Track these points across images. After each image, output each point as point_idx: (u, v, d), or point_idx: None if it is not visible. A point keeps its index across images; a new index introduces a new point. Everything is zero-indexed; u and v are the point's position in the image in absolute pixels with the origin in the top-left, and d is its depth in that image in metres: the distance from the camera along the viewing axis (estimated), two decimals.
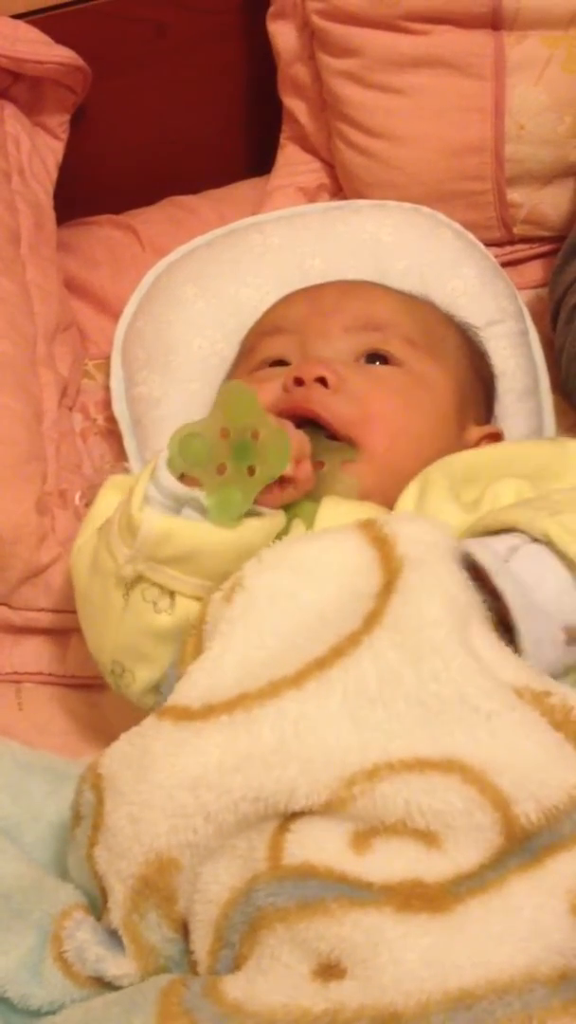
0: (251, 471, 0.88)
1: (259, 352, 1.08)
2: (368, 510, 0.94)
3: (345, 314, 1.06)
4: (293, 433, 0.92)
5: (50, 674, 1.10)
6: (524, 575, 0.83)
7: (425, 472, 0.96)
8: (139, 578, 0.91)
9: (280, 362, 1.06)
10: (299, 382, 0.99)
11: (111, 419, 1.23)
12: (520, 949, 0.71)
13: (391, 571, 0.83)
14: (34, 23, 1.33)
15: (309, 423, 0.98)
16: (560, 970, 0.71)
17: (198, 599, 0.90)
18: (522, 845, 0.74)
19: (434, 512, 0.92)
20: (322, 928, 0.73)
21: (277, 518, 0.93)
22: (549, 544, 0.84)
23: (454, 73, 1.25)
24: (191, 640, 0.87)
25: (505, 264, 1.31)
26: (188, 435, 0.88)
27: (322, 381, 0.99)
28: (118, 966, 0.79)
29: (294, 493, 0.93)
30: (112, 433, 1.24)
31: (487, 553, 0.83)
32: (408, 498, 0.95)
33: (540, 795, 0.74)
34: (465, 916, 0.72)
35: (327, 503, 0.95)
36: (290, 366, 1.04)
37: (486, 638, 0.81)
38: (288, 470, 0.90)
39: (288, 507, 0.94)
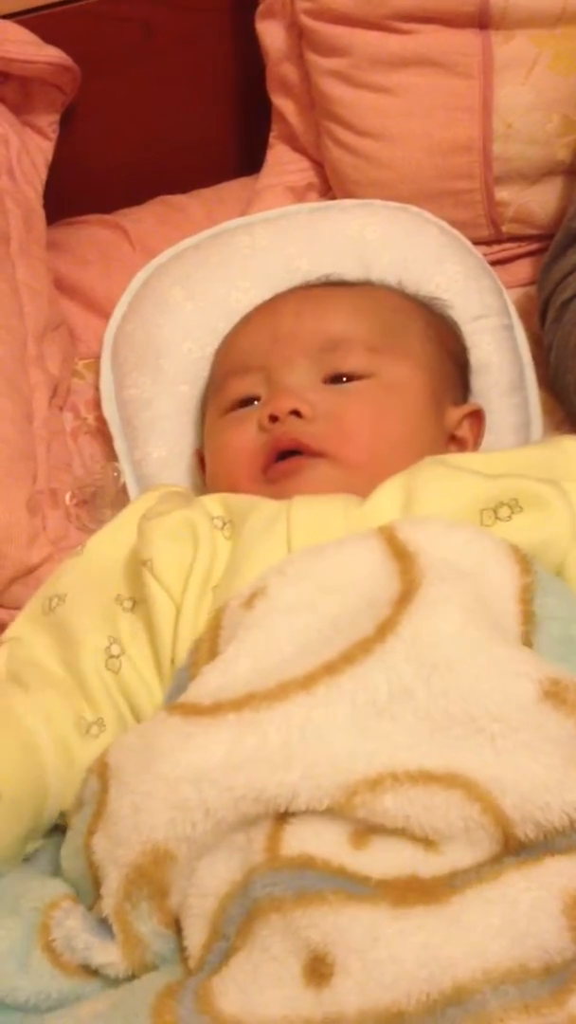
0: None
1: (228, 392, 1.10)
2: (341, 503, 0.94)
3: (302, 337, 1.08)
4: None
5: None
6: None
7: (411, 468, 0.96)
8: None
9: (249, 399, 1.08)
10: (274, 419, 1.02)
11: (101, 418, 1.24)
12: (517, 942, 0.71)
13: (409, 582, 0.83)
14: (23, 23, 1.33)
15: (290, 453, 1.00)
16: (545, 964, 0.71)
17: None
18: (519, 851, 0.75)
19: (441, 495, 0.92)
20: (317, 917, 0.72)
21: None
22: None
23: (442, 72, 1.25)
24: (205, 645, 0.87)
25: (494, 262, 1.32)
26: None
27: (295, 413, 1.02)
28: (106, 954, 0.79)
29: None
30: (102, 432, 1.24)
31: None
32: (390, 492, 0.95)
33: (541, 818, 0.74)
34: (461, 906, 0.72)
35: (299, 502, 0.95)
36: (261, 402, 1.07)
37: (521, 648, 0.81)
38: None
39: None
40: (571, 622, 0.84)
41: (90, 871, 0.81)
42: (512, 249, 1.35)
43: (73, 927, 0.80)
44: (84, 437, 1.25)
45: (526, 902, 0.72)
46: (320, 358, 1.06)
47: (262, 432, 1.04)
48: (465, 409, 1.11)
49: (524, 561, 0.86)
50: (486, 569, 0.85)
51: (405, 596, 0.82)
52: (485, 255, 1.31)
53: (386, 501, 0.94)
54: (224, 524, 0.96)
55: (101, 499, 1.16)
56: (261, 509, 0.96)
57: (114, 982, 0.81)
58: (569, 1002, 0.70)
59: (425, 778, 0.75)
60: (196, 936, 0.78)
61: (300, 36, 1.31)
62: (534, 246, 1.33)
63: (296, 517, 0.94)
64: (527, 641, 0.83)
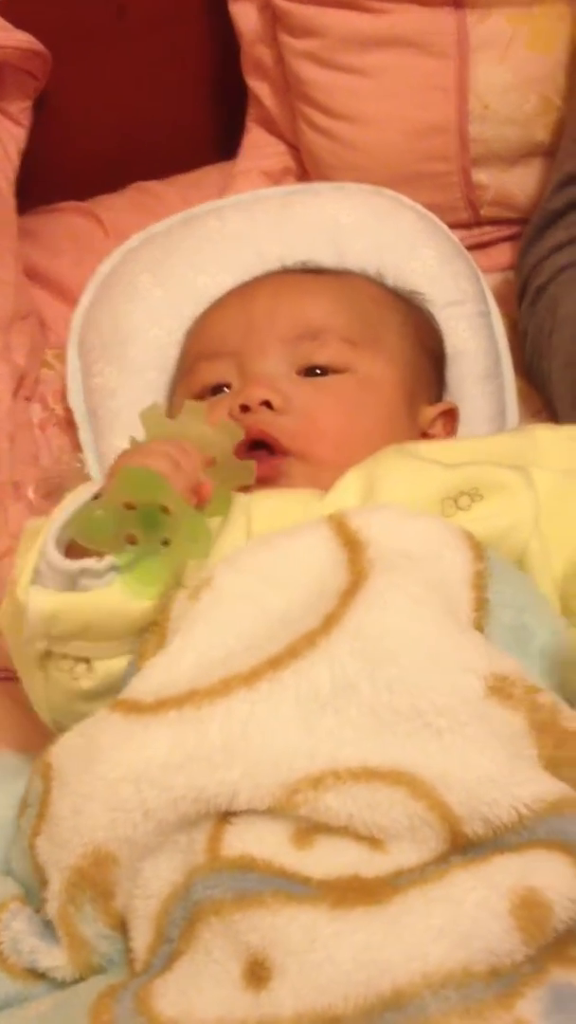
0: (165, 542, 0.84)
1: (199, 377, 1.07)
2: (304, 496, 0.93)
3: (279, 324, 1.04)
4: (188, 461, 0.88)
5: (6, 670, 1.08)
6: None
7: (371, 458, 0.94)
8: (47, 652, 0.88)
9: (220, 386, 1.05)
10: (245, 409, 0.99)
11: (69, 409, 1.21)
12: (460, 944, 0.68)
13: (358, 572, 0.81)
14: None
15: (259, 444, 0.98)
16: (491, 966, 0.68)
17: (118, 656, 0.87)
18: (467, 849, 0.73)
19: (402, 485, 0.90)
20: (256, 919, 0.71)
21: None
22: None
23: (416, 52, 1.23)
24: (153, 637, 0.86)
25: (473, 247, 1.29)
26: (92, 513, 0.84)
27: (267, 404, 0.99)
28: (52, 958, 0.78)
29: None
30: (71, 424, 1.22)
31: None
32: (350, 484, 0.92)
33: (489, 814, 0.72)
34: (403, 907, 0.70)
35: (261, 495, 0.93)
36: (232, 390, 1.04)
37: (472, 639, 0.79)
38: (192, 501, 0.87)
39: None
40: (523, 610, 0.83)
41: (36, 873, 0.80)
42: (491, 233, 1.32)
43: (19, 930, 0.80)
44: (52, 428, 1.23)
45: (471, 902, 0.69)
46: (295, 347, 1.03)
47: (231, 421, 1.00)
48: (439, 407, 1.08)
49: (478, 548, 0.84)
50: (440, 555, 0.83)
51: (353, 587, 0.80)
52: (464, 239, 1.28)
53: (346, 493, 0.93)
54: None
55: (66, 491, 1.13)
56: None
57: (62, 984, 0.80)
58: (516, 1006, 0.68)
59: (368, 775, 0.74)
60: (141, 938, 0.77)
61: (273, 17, 1.29)
62: (514, 230, 1.30)
63: (257, 509, 0.93)
64: (479, 627, 0.81)
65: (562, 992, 0.69)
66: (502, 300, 1.25)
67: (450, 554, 0.83)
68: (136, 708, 0.79)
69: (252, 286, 1.13)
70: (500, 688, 0.76)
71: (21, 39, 1.29)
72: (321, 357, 1.03)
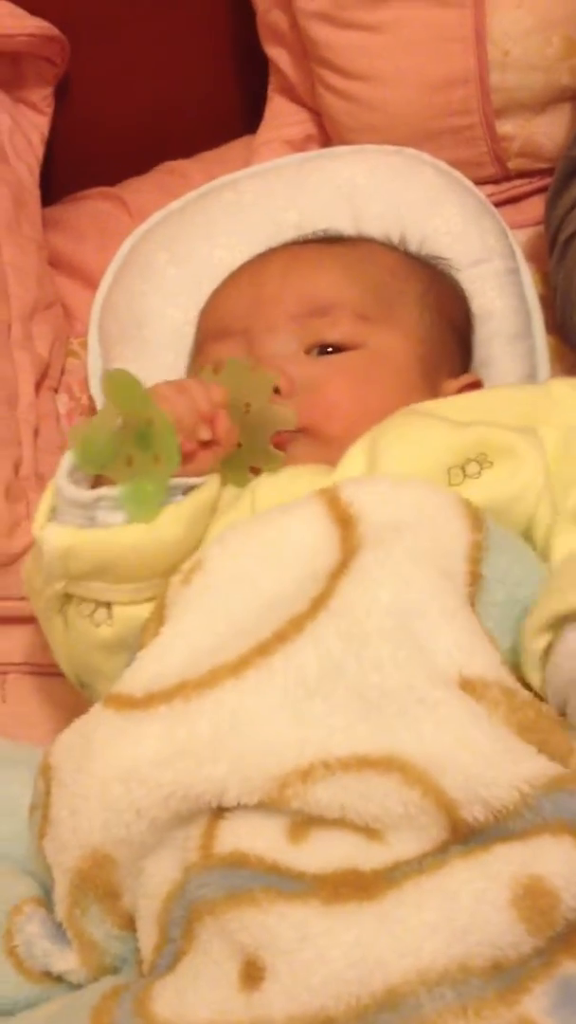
0: (157, 459, 0.83)
1: (208, 357, 1.03)
2: (310, 472, 0.89)
3: (289, 300, 1.00)
4: (197, 388, 0.88)
5: (34, 664, 1.08)
6: None
7: (376, 426, 0.90)
8: (68, 596, 0.87)
9: None
10: None
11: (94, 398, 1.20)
12: (456, 939, 0.65)
13: (348, 551, 0.78)
14: None
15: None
16: (494, 961, 0.65)
17: (139, 603, 0.86)
18: (469, 838, 0.69)
19: (407, 455, 0.87)
20: (247, 919, 0.68)
21: (198, 496, 0.88)
22: None
23: (430, 3, 1.18)
24: (151, 624, 0.83)
25: (503, 202, 1.25)
26: (89, 432, 0.83)
27: (274, 389, 0.95)
28: (65, 961, 0.78)
29: (219, 452, 0.88)
30: (96, 412, 1.21)
31: None
32: (355, 456, 0.89)
33: (488, 796, 0.68)
34: (397, 902, 0.67)
35: (265, 475, 0.91)
36: None
37: (453, 628, 0.75)
38: (204, 434, 0.86)
39: (227, 475, 0.90)
40: (519, 584, 0.79)
41: (47, 874, 0.80)
42: (521, 187, 1.27)
43: (33, 933, 0.79)
44: (79, 418, 1.22)
45: (468, 894, 0.66)
46: (305, 324, 0.99)
47: None
48: (463, 380, 1.03)
49: (475, 516, 0.80)
50: (435, 525, 0.79)
51: (342, 566, 0.77)
52: (492, 195, 1.23)
53: (352, 465, 0.89)
54: None
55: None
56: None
57: (79, 986, 0.79)
58: (521, 1002, 0.65)
59: (359, 764, 0.70)
60: (146, 938, 0.76)
61: None
62: (545, 181, 1.23)
63: (262, 488, 0.90)
64: (472, 603, 0.77)
65: (572, 985, 0.65)
66: (536, 256, 1.20)
67: (446, 524, 0.80)
68: (128, 703, 0.77)
69: (263, 260, 1.09)
70: (472, 688, 0.72)
71: (36, 26, 1.29)
72: (332, 335, 0.99)
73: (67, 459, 0.86)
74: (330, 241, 1.11)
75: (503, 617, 0.78)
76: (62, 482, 0.85)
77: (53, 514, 0.86)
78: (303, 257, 1.07)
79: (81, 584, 0.86)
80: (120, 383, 0.84)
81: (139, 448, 0.83)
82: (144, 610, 0.85)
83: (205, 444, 0.87)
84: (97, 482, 0.87)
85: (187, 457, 0.86)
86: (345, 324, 0.99)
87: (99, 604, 0.87)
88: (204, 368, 0.97)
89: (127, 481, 0.83)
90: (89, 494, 0.84)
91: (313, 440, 0.95)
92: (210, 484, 0.89)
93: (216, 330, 1.05)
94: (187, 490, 0.88)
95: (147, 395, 0.84)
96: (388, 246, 1.11)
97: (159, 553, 0.85)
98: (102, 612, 0.87)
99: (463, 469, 0.85)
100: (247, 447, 0.91)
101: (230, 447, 0.89)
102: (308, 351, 0.99)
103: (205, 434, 0.87)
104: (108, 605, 0.87)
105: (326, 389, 0.96)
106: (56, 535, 0.84)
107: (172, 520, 0.86)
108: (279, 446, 0.93)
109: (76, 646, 0.89)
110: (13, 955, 0.79)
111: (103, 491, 0.85)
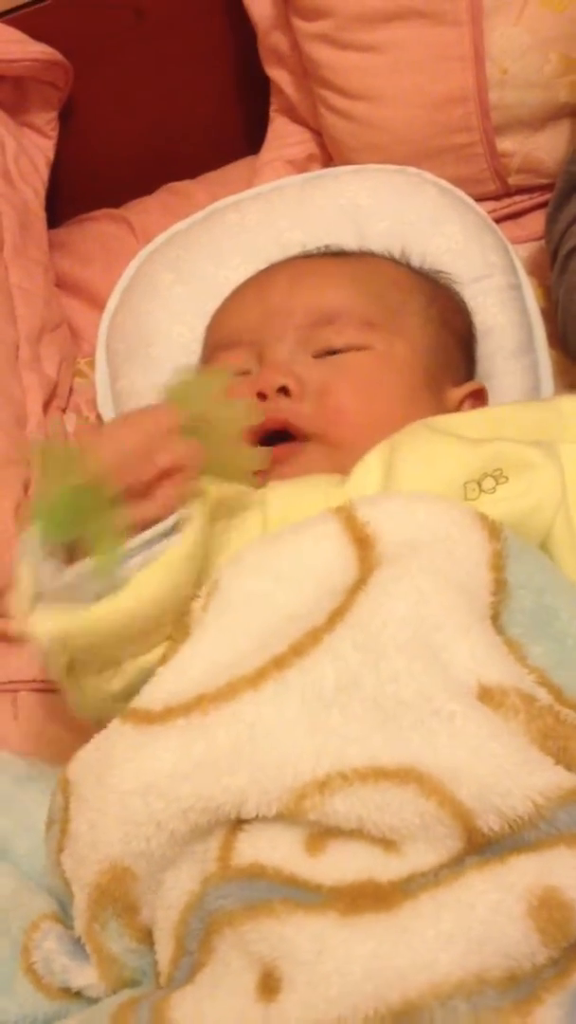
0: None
1: (218, 367, 1.04)
2: (322, 483, 0.89)
3: (296, 312, 1.02)
4: (140, 418, 0.84)
5: (45, 681, 1.08)
6: None
7: (392, 439, 0.90)
8: (71, 665, 0.85)
9: (239, 375, 1.02)
10: (262, 397, 0.97)
11: (102, 416, 1.21)
12: (472, 950, 0.65)
13: (366, 568, 0.79)
14: (10, 23, 1.32)
15: (279, 434, 0.95)
16: (509, 972, 0.65)
17: (146, 653, 0.85)
18: (484, 849, 0.69)
19: (423, 470, 0.87)
20: (265, 930, 0.69)
21: (177, 551, 0.82)
22: None
23: (428, 22, 1.19)
24: (173, 644, 0.83)
25: (504, 218, 1.26)
26: (45, 509, 0.79)
27: (283, 390, 0.96)
28: (84, 976, 0.77)
29: (188, 474, 0.83)
30: None
31: None
32: (370, 468, 0.89)
33: (503, 805, 0.68)
34: (413, 913, 0.67)
35: (276, 485, 0.90)
36: (250, 379, 1.00)
37: (474, 641, 0.75)
38: (161, 461, 0.81)
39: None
40: (544, 591, 0.79)
41: (66, 889, 0.80)
42: (522, 202, 1.28)
43: (51, 949, 0.79)
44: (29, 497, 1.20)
45: (484, 906, 0.66)
46: (313, 333, 1.01)
47: None
48: (466, 388, 1.04)
49: (493, 528, 0.80)
50: (451, 539, 0.80)
51: (360, 582, 0.77)
52: (493, 211, 1.25)
53: (367, 478, 0.89)
54: None
55: None
56: (237, 494, 0.90)
57: (97, 1002, 0.79)
58: (535, 1012, 0.65)
59: (376, 775, 0.71)
60: (163, 951, 0.76)
61: (285, 2, 1.27)
62: (545, 196, 1.24)
63: (273, 501, 0.90)
64: (496, 613, 0.77)
65: None
66: (538, 270, 1.21)
67: (462, 537, 0.80)
68: (147, 718, 0.77)
69: (269, 273, 1.10)
70: (490, 698, 0.72)
71: (40, 51, 1.30)
72: (339, 342, 1.00)
73: (31, 537, 0.82)
74: (335, 255, 1.12)
75: (532, 624, 0.78)
76: (39, 569, 0.82)
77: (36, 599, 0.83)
78: (309, 269, 1.08)
79: (86, 654, 0.85)
80: (51, 455, 0.79)
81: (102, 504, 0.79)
82: (154, 656, 0.84)
83: (166, 473, 0.82)
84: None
85: (148, 493, 0.81)
86: (351, 330, 1.00)
87: (106, 664, 0.85)
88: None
89: (97, 548, 0.79)
90: (66, 577, 0.81)
91: (321, 446, 0.95)
92: (187, 533, 0.83)
93: (225, 341, 1.06)
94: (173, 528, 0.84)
95: (76, 455, 0.79)
96: (392, 260, 1.12)
97: (151, 610, 0.82)
98: (109, 670, 0.86)
99: (479, 484, 0.85)
100: (223, 455, 0.85)
101: (198, 464, 0.83)
102: (316, 356, 1.00)
103: (163, 461, 0.81)
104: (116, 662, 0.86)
105: (333, 390, 0.97)
106: (46, 625, 0.82)
107: (158, 581, 0.82)
108: (277, 456, 0.93)
109: (88, 698, 0.89)
110: (31, 972, 0.79)
111: (77, 569, 0.81)
